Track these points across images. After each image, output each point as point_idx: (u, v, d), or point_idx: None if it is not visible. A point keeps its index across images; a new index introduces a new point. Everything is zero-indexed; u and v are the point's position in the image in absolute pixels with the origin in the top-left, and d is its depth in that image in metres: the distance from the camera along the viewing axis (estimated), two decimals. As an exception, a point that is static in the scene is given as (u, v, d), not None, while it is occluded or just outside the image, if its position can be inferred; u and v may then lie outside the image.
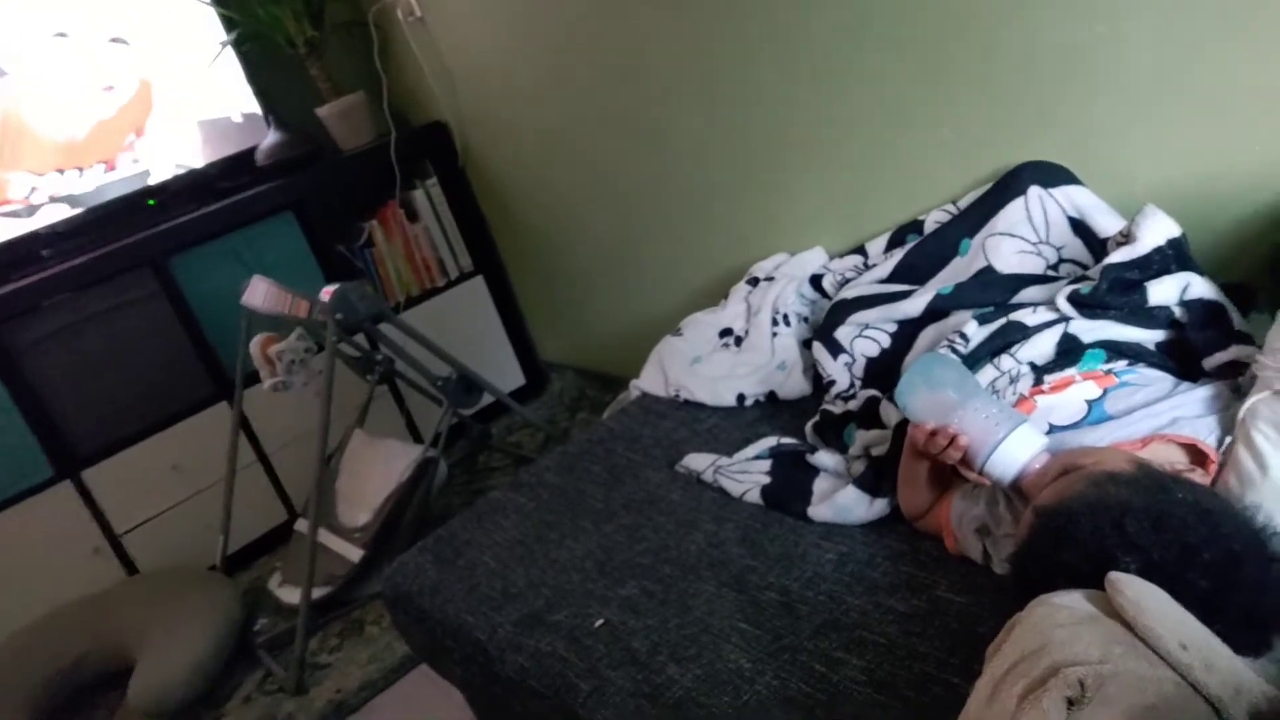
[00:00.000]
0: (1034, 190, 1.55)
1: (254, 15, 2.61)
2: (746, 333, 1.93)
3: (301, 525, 2.46)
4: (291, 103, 2.76)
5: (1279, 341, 1.04)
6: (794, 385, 1.77)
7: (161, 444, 2.49)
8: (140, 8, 2.52)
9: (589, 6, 2.18)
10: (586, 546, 1.50)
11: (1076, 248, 1.52)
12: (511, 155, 2.75)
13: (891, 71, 1.71)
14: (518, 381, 3.17)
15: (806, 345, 1.81)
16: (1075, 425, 1.19)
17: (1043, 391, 1.25)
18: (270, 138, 2.67)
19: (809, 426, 1.60)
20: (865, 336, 1.64)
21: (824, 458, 1.48)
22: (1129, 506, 0.89)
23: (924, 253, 1.69)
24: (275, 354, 2.19)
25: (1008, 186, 1.60)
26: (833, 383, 1.64)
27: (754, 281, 2.02)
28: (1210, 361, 1.19)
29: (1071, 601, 0.83)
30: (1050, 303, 1.34)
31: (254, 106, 2.71)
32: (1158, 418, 1.13)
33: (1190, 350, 1.23)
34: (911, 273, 1.69)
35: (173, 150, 2.63)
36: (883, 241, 1.83)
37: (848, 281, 1.82)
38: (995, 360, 1.31)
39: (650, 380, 1.96)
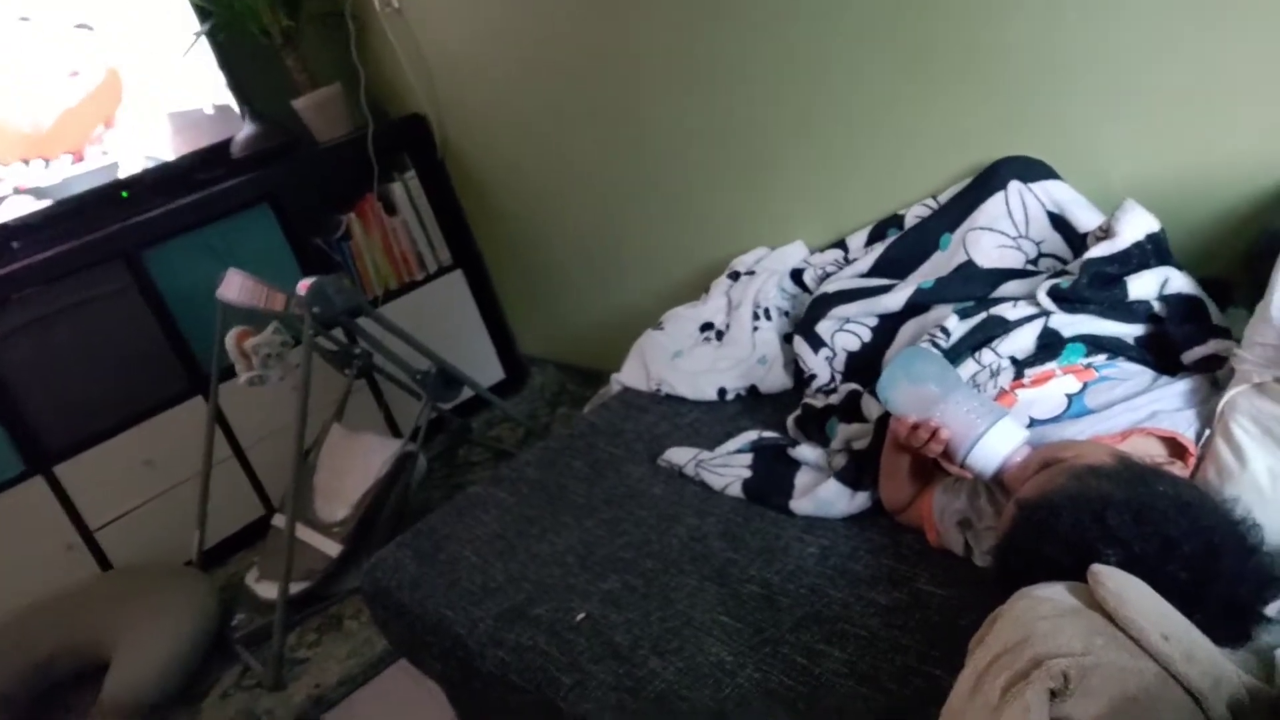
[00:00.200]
0: (1014, 185, 1.56)
1: (228, 5, 2.57)
2: (727, 327, 1.93)
3: (279, 520, 2.44)
4: (267, 94, 2.73)
5: (1257, 335, 1.05)
6: (775, 379, 1.77)
7: (135, 439, 2.45)
8: (109, -6, 2.48)
9: (569, -2, 2.17)
10: (568, 541, 1.49)
11: (1056, 242, 1.53)
12: (491, 148, 2.73)
13: (871, 65, 1.71)
14: (497, 376, 3.15)
15: (787, 339, 1.81)
16: (1055, 419, 1.19)
17: (1023, 385, 1.25)
18: (245, 129, 2.64)
19: (790, 420, 1.60)
20: (846, 331, 1.64)
21: (805, 451, 1.48)
22: (1110, 499, 0.90)
23: (905, 247, 1.69)
24: (251, 348, 2.16)
25: (987, 181, 1.60)
26: (813, 377, 1.64)
27: (735, 275, 2.02)
28: (1189, 355, 1.20)
29: (1054, 594, 0.84)
30: (1031, 297, 1.35)
31: (226, 98, 2.67)
32: (1137, 411, 1.14)
33: (1169, 344, 1.24)
34: (892, 267, 1.69)
35: (142, 142, 2.59)
36: (863, 236, 1.84)
37: (828, 276, 1.82)
38: (976, 354, 1.32)
39: (631, 374, 1.95)
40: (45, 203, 2.45)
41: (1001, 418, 1.11)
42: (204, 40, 2.59)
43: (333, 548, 2.27)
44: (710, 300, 2.01)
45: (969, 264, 1.57)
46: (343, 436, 2.46)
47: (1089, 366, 1.25)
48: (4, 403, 2.27)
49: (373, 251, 2.81)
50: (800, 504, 1.39)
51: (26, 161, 2.43)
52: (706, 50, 1.96)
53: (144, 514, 2.49)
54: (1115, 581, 0.80)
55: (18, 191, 2.43)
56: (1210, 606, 0.83)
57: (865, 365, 1.58)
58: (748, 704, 1.08)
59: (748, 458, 1.53)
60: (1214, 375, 1.17)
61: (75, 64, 2.45)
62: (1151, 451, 1.09)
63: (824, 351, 1.65)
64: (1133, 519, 0.88)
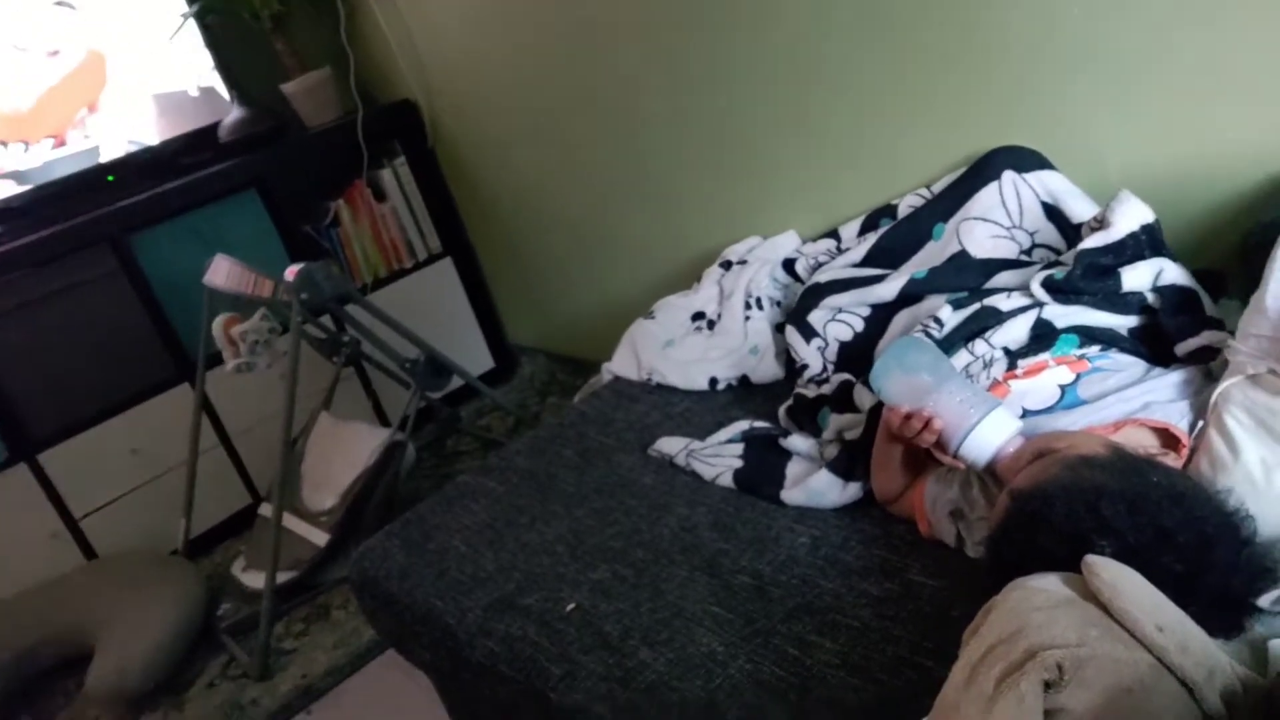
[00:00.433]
0: (1008, 175, 1.55)
1: (217, -13, 2.55)
2: (719, 316, 1.92)
3: (266, 509, 2.42)
4: (256, 78, 2.70)
5: (1252, 327, 1.05)
6: (766, 369, 1.77)
7: (121, 426, 2.43)
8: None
9: (561, -16, 2.16)
10: (557, 530, 1.48)
11: (1050, 233, 1.52)
12: (481, 135, 2.72)
13: (864, 54, 1.70)
14: (487, 365, 3.14)
15: (779, 329, 1.80)
16: (1048, 410, 1.19)
17: (1016, 376, 1.25)
18: (234, 114, 2.61)
19: (782, 410, 1.60)
20: (838, 320, 1.63)
21: (797, 441, 1.47)
22: (1104, 490, 0.89)
23: (898, 237, 1.69)
24: (238, 334, 2.15)
25: (981, 171, 1.59)
26: (805, 367, 1.64)
27: (726, 265, 2.01)
28: (1183, 347, 1.20)
29: (1048, 584, 0.83)
30: (1024, 288, 1.34)
31: (211, 81, 2.64)
32: (1130, 402, 1.13)
33: (1163, 335, 1.23)
34: (885, 257, 1.69)
35: (125, 126, 2.56)
36: (856, 225, 1.83)
37: (821, 265, 1.81)
38: (969, 345, 1.31)
39: (622, 363, 1.94)
40: (26, 187, 2.42)
41: (995, 408, 1.11)
42: (190, 22, 2.56)
43: (320, 537, 2.25)
44: (702, 289, 2.00)
45: (962, 254, 1.56)
46: (331, 425, 2.45)
47: (1082, 358, 1.24)
48: (-13, 389, 2.25)
49: (362, 238, 2.79)
50: (791, 494, 1.39)
51: (5, 144, 2.39)
52: (700, 38, 1.94)
53: (129, 502, 2.48)
54: (1110, 572, 0.79)
55: (-2, 175, 2.40)
56: (1204, 598, 0.83)
57: (857, 355, 1.58)
58: (739, 694, 1.08)
59: (739, 448, 1.52)
60: (1207, 367, 1.17)
61: (55, 43, 2.42)
62: (1144, 442, 1.09)
63: (816, 341, 1.64)
64: (1127, 510, 0.87)
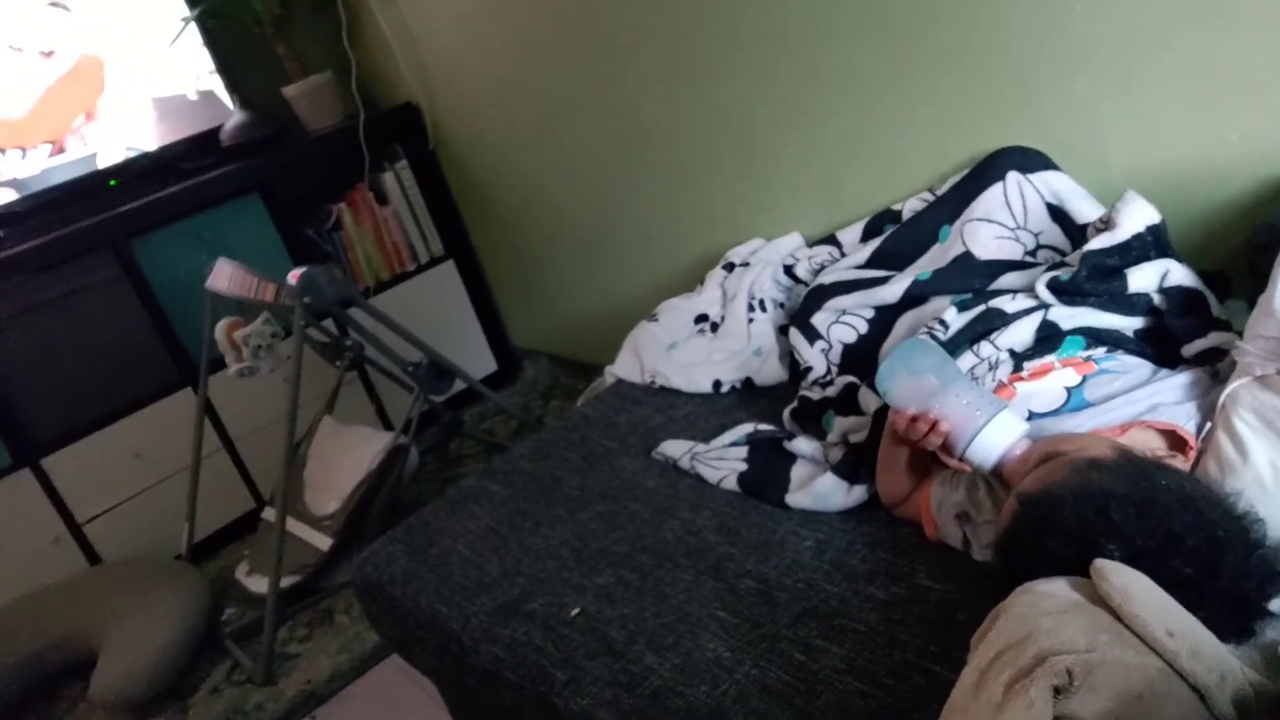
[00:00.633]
0: (1012, 176, 1.55)
1: (219, -9, 2.55)
2: (722, 319, 1.91)
3: (269, 513, 2.42)
4: (257, 82, 2.70)
5: (1260, 328, 1.04)
6: (770, 371, 1.76)
7: (124, 431, 2.43)
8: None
9: (563, -13, 2.15)
10: (562, 535, 1.48)
11: (1054, 233, 1.52)
12: (483, 138, 2.71)
13: (867, 54, 1.69)
14: (490, 368, 3.14)
15: (783, 331, 1.80)
16: (1055, 412, 1.18)
17: (1022, 378, 1.24)
18: (235, 118, 2.61)
19: (787, 413, 1.59)
20: (842, 323, 1.63)
21: (802, 444, 1.46)
22: (1112, 493, 0.89)
23: (903, 239, 1.68)
24: (241, 339, 2.14)
25: (986, 172, 1.59)
26: (809, 369, 1.63)
27: (730, 267, 2.01)
28: (1189, 348, 1.19)
29: (1056, 589, 0.83)
30: (1030, 289, 1.33)
31: (210, 84, 2.64)
32: (1137, 404, 1.13)
33: (1169, 337, 1.23)
34: (890, 259, 1.68)
35: (123, 132, 2.55)
36: (857, 231, 1.82)
37: (824, 268, 1.81)
38: (975, 347, 1.31)
39: (625, 366, 1.94)
40: (24, 193, 2.41)
41: (1001, 410, 1.10)
42: (194, 27, 2.56)
43: (324, 541, 2.25)
44: (705, 292, 2.00)
45: (967, 255, 1.55)
46: (334, 429, 2.44)
47: (1088, 359, 1.24)
48: (-10, 394, 2.25)
49: (364, 242, 2.79)
50: (796, 497, 1.38)
51: (3, 150, 2.39)
52: (703, 40, 1.94)
53: (133, 507, 2.47)
54: (1120, 577, 0.79)
55: (-4, 182, 2.39)
56: (1214, 602, 0.83)
57: (861, 357, 1.57)
58: (745, 700, 1.07)
59: (743, 450, 1.52)
60: (1214, 368, 1.17)
61: (50, 43, 2.40)
62: (1151, 444, 1.08)
63: (820, 344, 1.64)
64: (1135, 513, 0.87)
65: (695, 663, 1.15)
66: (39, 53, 2.38)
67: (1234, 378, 1.05)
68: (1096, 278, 1.27)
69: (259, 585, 2.25)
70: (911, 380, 1.17)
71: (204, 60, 2.62)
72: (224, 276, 2.11)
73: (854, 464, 1.35)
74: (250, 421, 2.60)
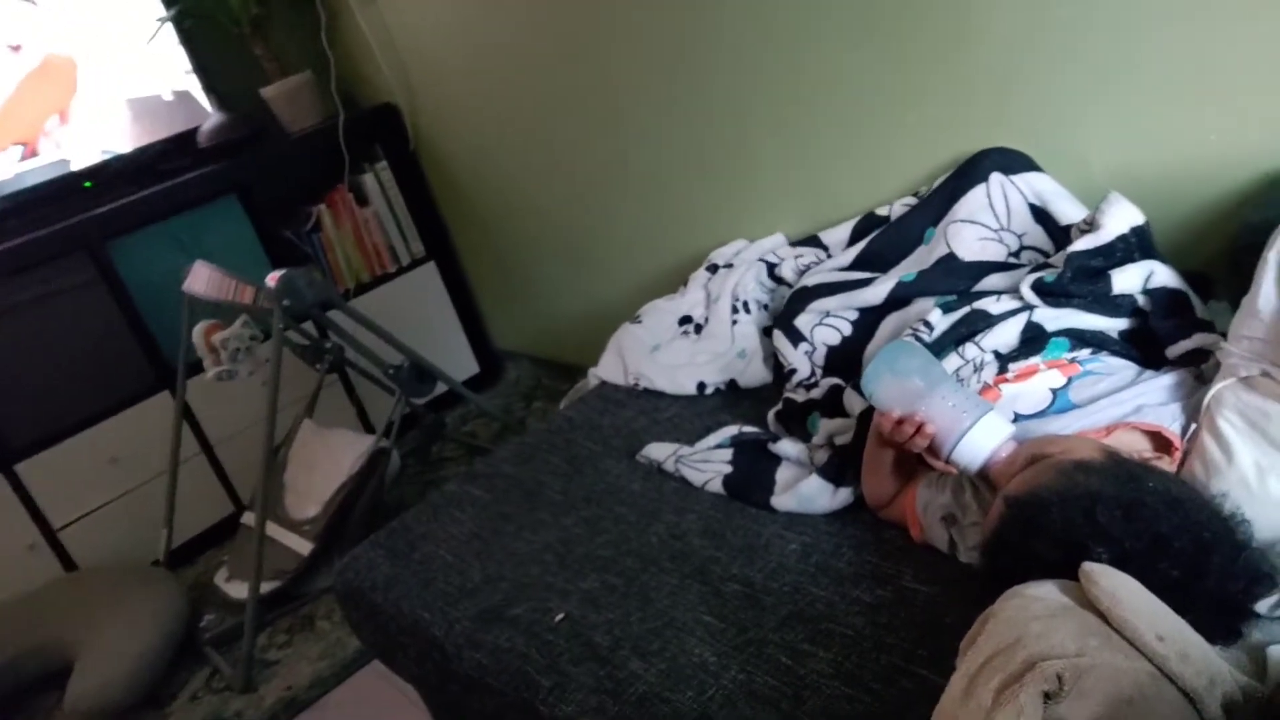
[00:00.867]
0: (995, 177, 1.55)
1: (196, -10, 2.52)
2: (706, 320, 1.90)
3: (248, 518, 2.39)
4: (234, 82, 2.67)
5: (1244, 329, 1.04)
6: (754, 373, 1.75)
7: (100, 435, 2.40)
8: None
9: (544, -14, 2.14)
10: (545, 539, 1.46)
11: (1038, 235, 1.52)
12: (464, 138, 2.69)
13: (851, 56, 1.69)
14: (472, 370, 3.12)
15: (767, 333, 1.79)
16: (1040, 414, 1.18)
17: (1007, 380, 1.24)
18: (212, 118, 2.58)
19: (771, 415, 1.58)
20: (826, 324, 1.62)
21: (787, 446, 1.46)
22: (1099, 496, 0.89)
23: (887, 241, 1.68)
24: (219, 342, 2.12)
25: (968, 173, 1.59)
26: (793, 371, 1.63)
27: (713, 268, 2.00)
28: (1174, 350, 1.20)
29: (1045, 593, 0.83)
30: (1014, 291, 1.33)
31: (185, 84, 2.61)
32: (1122, 406, 1.13)
33: (1154, 338, 1.23)
34: (875, 261, 1.68)
35: (98, 134, 2.51)
36: (844, 231, 1.82)
37: (809, 269, 1.80)
38: (960, 349, 1.31)
39: (609, 368, 1.93)
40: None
41: (987, 412, 1.10)
42: (170, 27, 2.53)
43: (304, 546, 2.23)
44: (688, 293, 1.99)
45: (950, 257, 1.55)
46: (314, 433, 2.42)
47: (1073, 361, 1.24)
48: (-38, 399, 2.21)
49: (344, 244, 2.76)
50: (782, 500, 1.37)
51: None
52: (686, 41, 1.93)
53: (109, 513, 2.44)
54: (1109, 580, 0.78)
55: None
56: (1201, 604, 0.82)
57: (845, 359, 1.57)
58: (732, 706, 1.06)
59: (728, 453, 1.51)
60: (1199, 369, 1.17)
61: (15, 36, 2.36)
62: (1137, 446, 1.08)
63: (803, 345, 1.63)
64: (1123, 515, 0.87)
65: (681, 668, 1.14)
66: (6, 46, 2.33)
67: (1218, 379, 1.05)
68: (1081, 279, 1.27)
69: (239, 591, 2.22)
70: (897, 382, 1.17)
71: (180, 60, 2.59)
72: (201, 279, 2.08)
73: (839, 466, 1.34)
74: (229, 425, 2.57)
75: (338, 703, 1.98)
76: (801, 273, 1.82)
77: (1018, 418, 1.18)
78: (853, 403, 1.42)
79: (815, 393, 1.53)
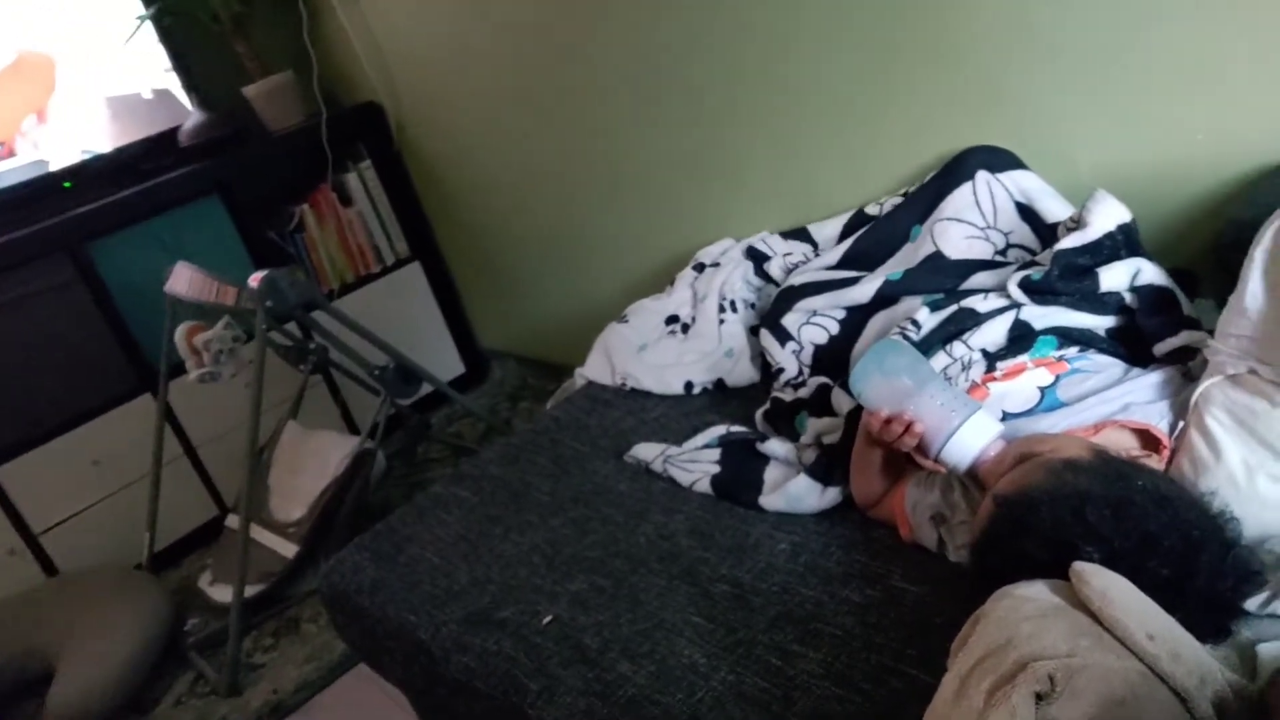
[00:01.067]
0: (981, 175, 1.55)
1: (177, -12, 2.49)
2: (693, 319, 1.90)
3: (232, 521, 2.37)
4: (216, 81, 2.65)
5: (1231, 327, 1.04)
6: (742, 373, 1.75)
7: (81, 439, 2.37)
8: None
9: (529, -16, 2.13)
10: (533, 540, 1.46)
11: (1024, 233, 1.52)
12: (448, 137, 2.68)
13: (837, 54, 1.69)
14: (457, 370, 3.10)
15: (754, 332, 1.79)
16: (1028, 412, 1.18)
17: (995, 379, 1.24)
18: (194, 118, 2.56)
19: (759, 414, 1.58)
20: (813, 324, 1.62)
21: (775, 446, 1.45)
22: (1089, 495, 0.88)
23: (873, 239, 1.68)
24: (202, 343, 2.10)
25: (954, 171, 1.59)
26: (781, 370, 1.62)
27: (700, 267, 1.99)
28: (1161, 347, 1.20)
29: (1036, 593, 0.82)
30: (1001, 289, 1.33)
31: (165, 83, 2.58)
32: (1110, 404, 1.13)
33: (1141, 336, 1.23)
34: (862, 259, 1.68)
35: (77, 134, 2.48)
36: (834, 227, 1.81)
37: (797, 268, 1.80)
38: (947, 347, 1.30)
39: (595, 368, 1.92)
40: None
41: (976, 411, 1.09)
42: (149, 25, 2.50)
43: (289, 549, 2.21)
44: (675, 292, 1.98)
45: (937, 255, 1.55)
46: (298, 434, 2.40)
47: (1061, 359, 1.24)
48: (-60, 403, 2.19)
49: (327, 244, 2.74)
50: (770, 500, 1.37)
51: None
52: (672, 39, 1.92)
53: (91, 516, 2.41)
54: (1099, 580, 0.78)
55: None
56: (1191, 602, 0.82)
57: (832, 358, 1.56)
58: (722, 708, 1.06)
59: (716, 453, 1.50)
60: (1186, 367, 1.17)
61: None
62: (1125, 444, 1.08)
63: (791, 345, 1.63)
64: (1112, 514, 0.87)
65: (670, 670, 1.13)
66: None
67: (1206, 376, 1.05)
68: (1068, 277, 1.27)
69: (223, 594, 2.20)
70: (886, 381, 1.16)
71: (160, 58, 2.56)
72: (183, 280, 2.06)
73: (828, 466, 1.34)
74: (212, 427, 2.55)
75: (324, 706, 1.97)
76: (789, 271, 1.81)
77: (1006, 416, 1.18)
78: (841, 402, 1.42)
79: (803, 392, 1.52)
